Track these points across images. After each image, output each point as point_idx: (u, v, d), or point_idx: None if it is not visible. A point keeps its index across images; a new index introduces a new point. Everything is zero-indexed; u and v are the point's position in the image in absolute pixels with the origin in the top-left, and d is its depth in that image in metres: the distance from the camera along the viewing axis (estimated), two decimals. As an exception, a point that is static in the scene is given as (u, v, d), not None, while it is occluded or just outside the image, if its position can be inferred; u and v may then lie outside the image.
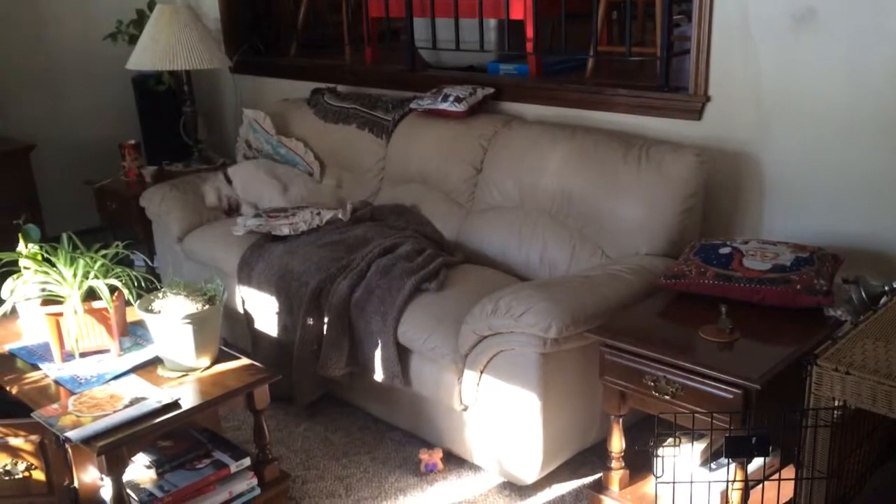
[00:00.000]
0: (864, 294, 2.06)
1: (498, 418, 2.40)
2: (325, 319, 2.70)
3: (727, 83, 2.69)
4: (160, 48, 3.64)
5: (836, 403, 1.66)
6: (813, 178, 2.57)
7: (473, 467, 2.59)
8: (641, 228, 2.64)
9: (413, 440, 2.72)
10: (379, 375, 2.62)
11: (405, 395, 2.66)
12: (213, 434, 2.41)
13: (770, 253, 2.27)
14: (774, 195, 2.67)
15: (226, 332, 3.15)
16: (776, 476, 2.04)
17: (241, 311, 3.10)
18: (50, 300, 2.32)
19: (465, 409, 2.47)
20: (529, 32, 3.38)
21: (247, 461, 2.28)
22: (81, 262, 2.29)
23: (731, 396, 1.88)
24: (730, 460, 1.95)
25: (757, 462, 2.11)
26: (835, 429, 1.67)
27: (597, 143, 2.82)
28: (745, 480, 1.95)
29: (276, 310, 2.88)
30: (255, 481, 2.29)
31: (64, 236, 2.38)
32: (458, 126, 3.22)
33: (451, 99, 3.24)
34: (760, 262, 2.23)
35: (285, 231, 3.08)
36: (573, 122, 3.05)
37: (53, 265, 2.31)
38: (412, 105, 3.41)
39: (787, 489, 1.83)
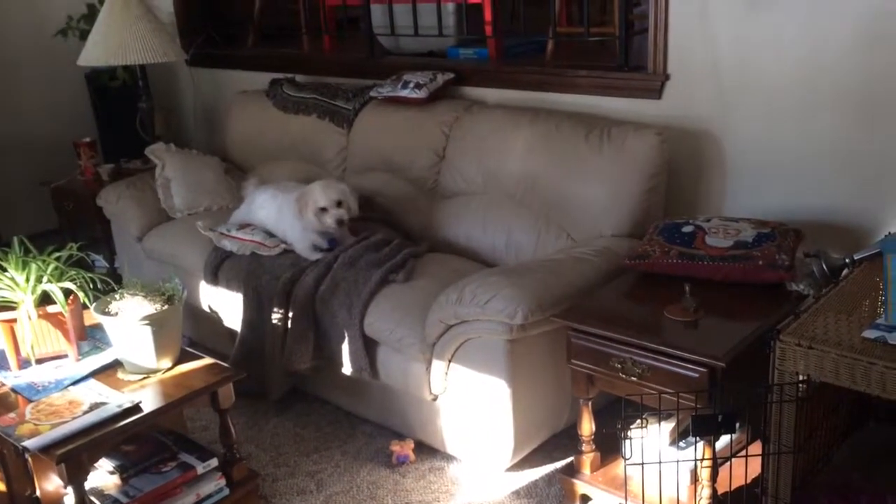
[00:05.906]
0: (825, 267, 2.07)
1: (468, 407, 2.38)
2: (290, 314, 2.66)
3: (686, 61, 2.68)
4: (112, 42, 3.55)
5: (800, 378, 1.67)
6: (773, 153, 2.57)
7: (446, 457, 2.57)
8: (605, 210, 2.63)
9: (384, 432, 2.69)
10: (347, 368, 2.59)
11: (374, 388, 2.63)
12: (179, 436, 2.36)
13: (732, 230, 2.27)
14: (736, 172, 2.67)
15: (191, 330, 3.10)
16: (744, 452, 2.05)
17: (207, 308, 3.04)
18: (3, 306, 2.25)
19: (435, 398, 2.45)
20: (488, 15, 3.35)
21: (214, 462, 2.25)
22: (34, 265, 2.23)
23: (696, 375, 1.88)
24: (697, 439, 1.96)
25: (724, 439, 2.12)
26: (800, 403, 1.68)
27: (559, 125, 2.80)
28: (714, 458, 1.95)
29: (244, 305, 2.83)
30: (223, 482, 2.26)
31: (15, 240, 2.31)
32: (419, 113, 3.18)
33: (412, 85, 3.20)
34: (723, 240, 2.23)
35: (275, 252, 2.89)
36: (535, 104, 3.03)
37: (5, 270, 2.24)
38: (372, 93, 3.36)
39: (756, 465, 1.84)
